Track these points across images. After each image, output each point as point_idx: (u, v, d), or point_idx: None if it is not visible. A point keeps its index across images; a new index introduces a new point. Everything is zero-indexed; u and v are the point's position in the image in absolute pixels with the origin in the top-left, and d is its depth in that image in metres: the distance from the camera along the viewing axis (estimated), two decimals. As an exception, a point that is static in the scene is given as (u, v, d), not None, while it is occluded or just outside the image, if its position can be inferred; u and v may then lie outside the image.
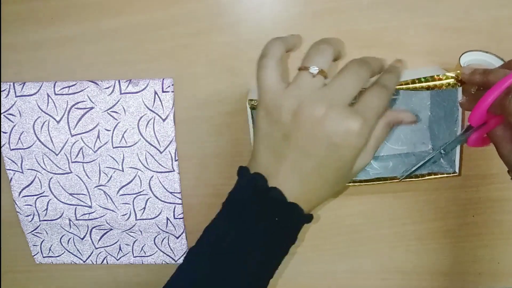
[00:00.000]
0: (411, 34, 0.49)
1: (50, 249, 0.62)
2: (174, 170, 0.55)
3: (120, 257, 0.61)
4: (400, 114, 0.37)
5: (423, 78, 0.43)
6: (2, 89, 0.54)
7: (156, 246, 0.60)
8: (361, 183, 0.50)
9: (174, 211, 0.57)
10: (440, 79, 0.43)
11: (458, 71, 0.43)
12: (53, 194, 0.58)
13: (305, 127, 0.33)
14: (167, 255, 0.60)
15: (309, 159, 0.34)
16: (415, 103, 0.52)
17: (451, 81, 0.43)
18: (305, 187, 0.35)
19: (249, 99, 0.46)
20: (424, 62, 0.50)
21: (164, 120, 0.53)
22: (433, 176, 0.49)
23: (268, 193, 0.35)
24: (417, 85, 0.44)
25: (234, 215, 0.36)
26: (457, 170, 0.48)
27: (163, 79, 0.52)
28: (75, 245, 0.61)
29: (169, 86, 0.52)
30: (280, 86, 0.35)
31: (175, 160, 0.55)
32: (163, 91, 0.52)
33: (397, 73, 0.38)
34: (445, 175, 0.49)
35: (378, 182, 0.49)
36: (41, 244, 0.61)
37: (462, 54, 0.44)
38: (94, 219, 0.59)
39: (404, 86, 0.44)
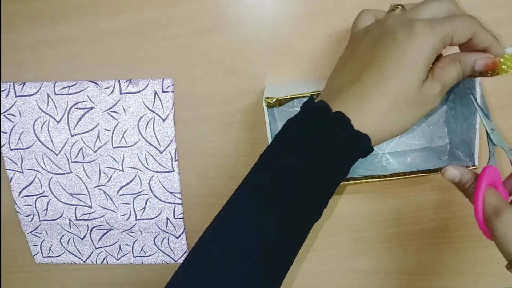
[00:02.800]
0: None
1: (50, 249, 0.62)
2: (174, 170, 0.55)
3: (120, 257, 0.61)
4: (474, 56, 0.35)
5: None
6: (2, 89, 0.54)
7: (156, 246, 0.60)
8: (380, 179, 0.49)
9: (174, 211, 0.57)
10: None
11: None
12: (53, 194, 0.58)
13: (372, 36, 0.35)
14: (167, 255, 0.60)
15: (372, 69, 0.34)
16: None
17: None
18: (368, 108, 0.34)
19: (265, 97, 0.46)
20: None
21: (164, 120, 0.53)
22: None
23: (331, 114, 0.34)
24: None
25: (289, 138, 0.35)
26: (476, 163, 0.48)
27: (163, 79, 0.52)
28: (75, 245, 0.61)
29: (169, 86, 0.52)
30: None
31: (175, 160, 0.55)
32: (163, 91, 0.52)
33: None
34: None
35: (396, 178, 0.49)
36: (41, 244, 0.62)
37: None
38: (94, 219, 0.59)
39: None
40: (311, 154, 0.34)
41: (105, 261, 0.62)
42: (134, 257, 0.61)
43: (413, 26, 0.33)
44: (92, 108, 0.54)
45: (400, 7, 0.37)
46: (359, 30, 0.38)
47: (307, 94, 0.45)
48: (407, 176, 0.49)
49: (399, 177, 0.49)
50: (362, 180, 0.48)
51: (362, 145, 0.34)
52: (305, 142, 0.34)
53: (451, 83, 0.35)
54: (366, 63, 0.34)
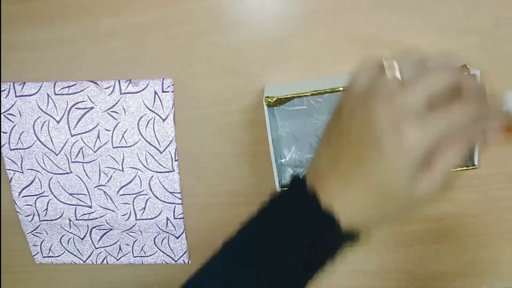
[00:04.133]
0: (410, 34, 0.49)
1: (50, 249, 0.62)
2: (174, 170, 0.55)
3: (120, 257, 0.61)
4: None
5: None
6: (2, 89, 0.54)
7: (156, 246, 0.60)
8: None
9: (174, 211, 0.57)
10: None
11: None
12: (53, 194, 0.58)
13: (356, 119, 0.30)
14: (167, 255, 0.60)
15: (357, 164, 0.30)
16: None
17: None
18: (350, 193, 0.31)
19: (265, 96, 0.46)
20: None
21: (164, 120, 0.53)
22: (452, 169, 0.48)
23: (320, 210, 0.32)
24: None
25: (275, 224, 0.34)
26: (476, 163, 0.48)
27: (163, 79, 0.52)
28: (75, 245, 0.61)
29: (169, 86, 0.52)
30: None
31: (175, 160, 0.55)
32: (163, 91, 0.52)
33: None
34: (464, 168, 0.49)
35: None
36: (41, 244, 0.62)
37: None
38: (94, 219, 0.59)
39: None
40: (293, 246, 0.33)
41: (105, 261, 0.62)
42: (134, 257, 0.61)
43: (401, 132, 0.28)
44: (92, 108, 0.54)
45: (392, 67, 0.31)
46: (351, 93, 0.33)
47: (307, 94, 0.45)
48: None
49: None
50: None
51: (350, 242, 0.34)
52: (291, 235, 0.33)
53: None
54: (351, 152, 0.31)
